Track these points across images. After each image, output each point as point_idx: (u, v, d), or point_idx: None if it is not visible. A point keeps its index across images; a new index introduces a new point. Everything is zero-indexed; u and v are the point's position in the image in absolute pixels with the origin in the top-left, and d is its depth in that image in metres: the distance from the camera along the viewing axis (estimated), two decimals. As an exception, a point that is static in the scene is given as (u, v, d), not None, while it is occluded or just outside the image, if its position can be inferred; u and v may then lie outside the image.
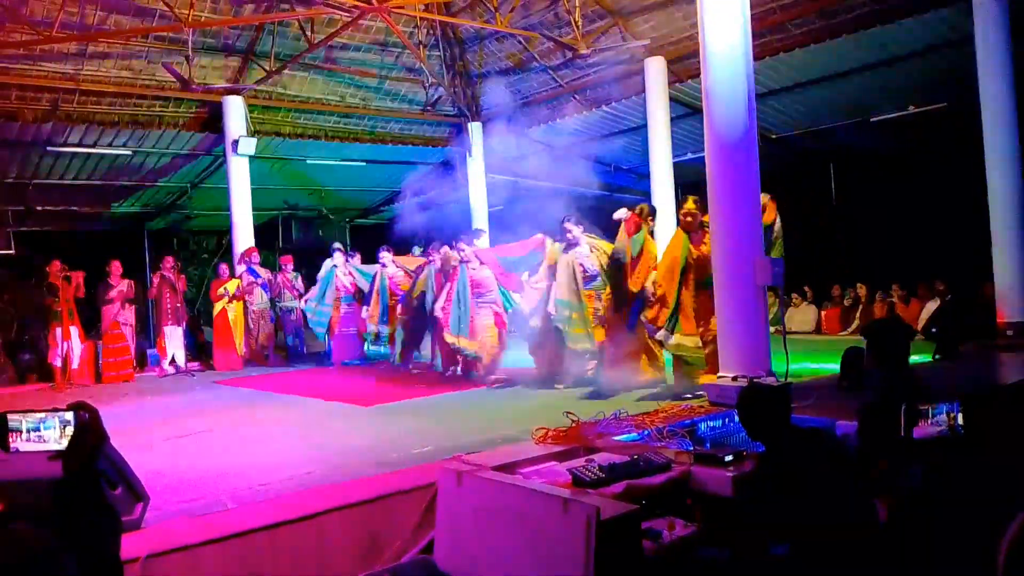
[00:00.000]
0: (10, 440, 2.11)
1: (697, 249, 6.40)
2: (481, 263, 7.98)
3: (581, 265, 7.18)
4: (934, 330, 9.18)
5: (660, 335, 6.41)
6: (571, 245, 7.28)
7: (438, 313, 8.08)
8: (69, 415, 2.07)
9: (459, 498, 3.62)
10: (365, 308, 9.79)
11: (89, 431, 2.02)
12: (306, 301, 10.45)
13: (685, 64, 11.07)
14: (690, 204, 6.54)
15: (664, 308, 6.36)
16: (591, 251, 7.27)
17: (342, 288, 10.28)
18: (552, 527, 3.10)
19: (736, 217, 5.62)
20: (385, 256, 9.73)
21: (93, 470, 1.99)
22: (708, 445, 4.40)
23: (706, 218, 6.17)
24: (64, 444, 2.04)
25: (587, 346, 7.16)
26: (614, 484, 3.56)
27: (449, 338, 7.98)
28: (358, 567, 3.51)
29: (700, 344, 6.28)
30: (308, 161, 14.02)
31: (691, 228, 6.49)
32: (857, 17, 9.43)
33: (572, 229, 7.27)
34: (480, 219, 14.04)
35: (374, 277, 9.74)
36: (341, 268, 10.33)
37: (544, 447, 4.34)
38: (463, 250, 7.98)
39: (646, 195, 11.88)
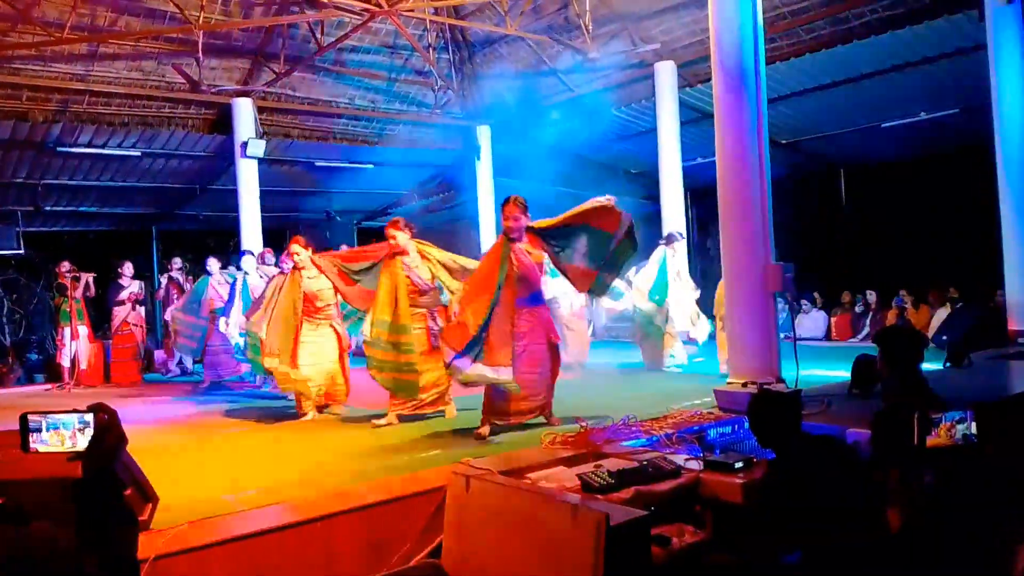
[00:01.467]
0: (29, 440, 2.11)
1: (518, 260, 5.29)
2: (319, 272, 6.50)
3: (408, 277, 5.94)
4: (944, 337, 9.14)
5: (459, 363, 4.99)
6: (396, 254, 5.99)
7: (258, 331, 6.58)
8: (88, 416, 2.08)
9: (467, 503, 3.62)
10: (224, 319, 8.56)
11: (109, 433, 2.04)
12: (171, 312, 9.63)
13: (695, 68, 11.05)
14: (512, 205, 5.33)
15: (467, 330, 5.05)
16: (422, 260, 6.08)
17: (216, 299, 9.23)
18: (561, 533, 3.09)
19: (746, 223, 5.60)
20: (247, 261, 8.89)
21: (111, 471, 2.00)
22: (718, 451, 4.38)
23: (543, 223, 5.35)
24: (83, 445, 2.05)
25: (413, 381, 5.85)
26: (623, 490, 3.56)
27: (268, 362, 6.41)
28: (365, 571, 3.51)
29: (511, 377, 5.08)
30: (317, 163, 14.06)
31: (513, 234, 5.33)
32: (868, 23, 9.40)
33: (396, 235, 5.93)
34: (487, 223, 14.04)
35: (233, 284, 8.83)
36: (216, 276, 9.42)
37: (552, 452, 4.34)
38: (298, 254, 6.53)
39: (655, 199, 11.87)
